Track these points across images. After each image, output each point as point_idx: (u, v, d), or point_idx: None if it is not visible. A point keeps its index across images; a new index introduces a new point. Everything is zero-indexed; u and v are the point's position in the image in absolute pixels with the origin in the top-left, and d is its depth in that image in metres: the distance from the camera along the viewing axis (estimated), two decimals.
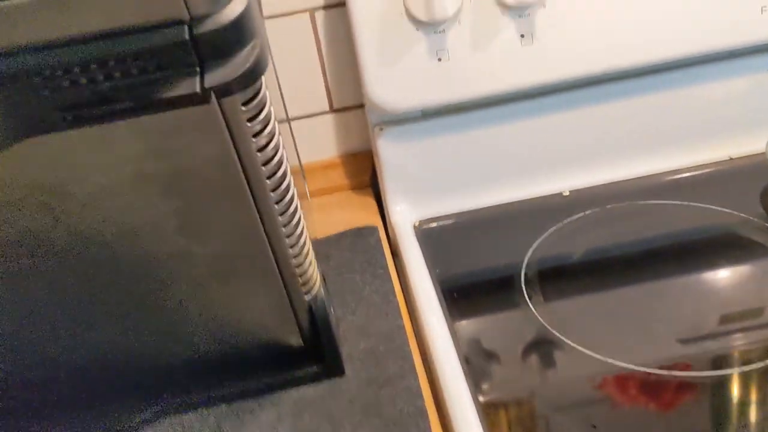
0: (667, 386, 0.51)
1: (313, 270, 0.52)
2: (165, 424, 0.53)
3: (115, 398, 0.54)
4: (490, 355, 0.57)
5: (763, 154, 0.71)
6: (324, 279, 0.56)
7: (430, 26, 0.63)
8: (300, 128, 0.77)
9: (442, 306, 0.60)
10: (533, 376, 0.54)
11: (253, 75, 0.36)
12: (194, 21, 0.33)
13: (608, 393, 0.51)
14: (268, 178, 0.43)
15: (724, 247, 0.63)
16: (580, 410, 0.51)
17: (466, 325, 0.60)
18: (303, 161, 0.79)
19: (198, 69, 0.34)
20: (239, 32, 0.35)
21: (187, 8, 0.33)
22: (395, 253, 0.70)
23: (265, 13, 0.69)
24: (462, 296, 0.62)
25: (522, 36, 0.64)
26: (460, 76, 0.65)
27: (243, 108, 0.38)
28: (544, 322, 0.58)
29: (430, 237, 0.70)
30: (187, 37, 0.33)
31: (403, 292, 0.64)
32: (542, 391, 0.52)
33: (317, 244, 0.65)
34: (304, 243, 0.49)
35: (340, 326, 0.59)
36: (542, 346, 0.57)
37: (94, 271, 0.45)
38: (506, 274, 0.64)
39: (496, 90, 0.66)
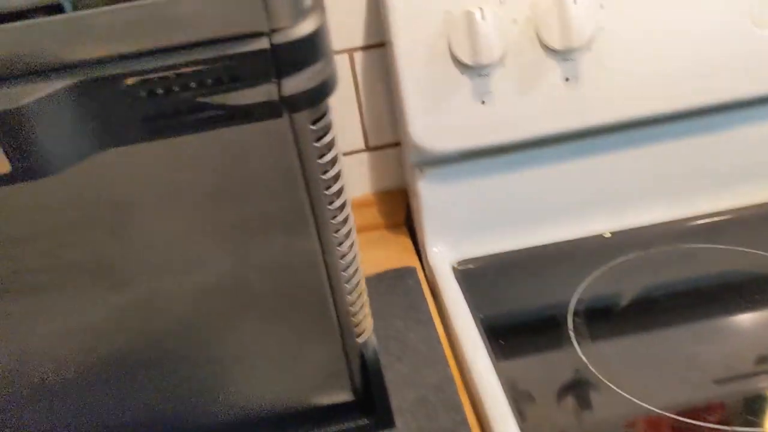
0: None
1: (366, 310, 0.50)
2: None
3: None
4: (540, 401, 0.56)
5: None
6: None
7: (474, 69, 0.62)
8: None
9: (488, 351, 0.59)
10: (580, 418, 0.53)
11: (325, 89, 0.37)
12: (274, 33, 0.34)
13: None
14: (330, 203, 0.42)
15: None
16: None
17: (512, 368, 0.59)
18: None
19: (276, 80, 0.35)
20: (314, 46, 0.36)
21: (268, 21, 0.34)
22: (434, 294, 0.69)
23: None
24: (507, 339, 0.62)
25: (567, 79, 0.63)
26: (503, 118, 0.64)
27: (312, 127, 0.38)
28: (589, 365, 0.57)
29: (470, 279, 0.69)
30: (267, 46, 0.34)
31: (446, 334, 0.63)
32: None
33: None
34: (359, 279, 0.48)
35: (387, 375, 0.58)
36: (585, 389, 0.56)
37: (145, 311, 0.44)
38: (552, 316, 0.63)
39: (540, 133, 0.65)
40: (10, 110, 0.31)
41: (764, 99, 0.69)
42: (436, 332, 0.63)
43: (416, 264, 0.73)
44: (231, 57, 0.34)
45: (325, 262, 0.44)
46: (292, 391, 0.52)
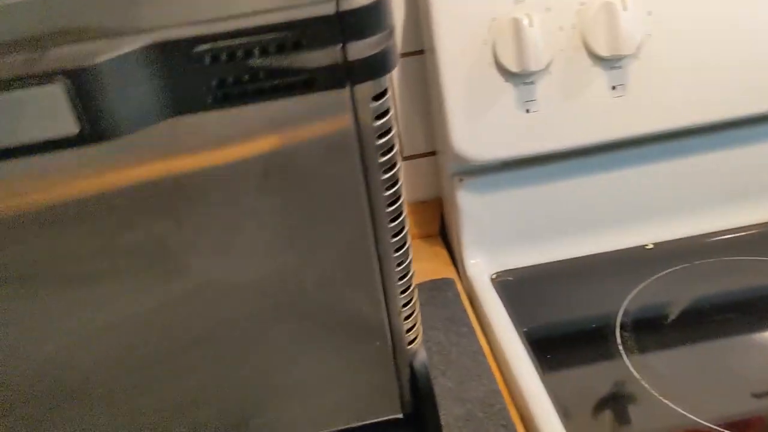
0: None
1: (418, 317, 0.49)
2: None
3: None
4: (590, 414, 0.55)
5: None
6: None
7: (519, 77, 0.61)
8: None
9: (534, 364, 0.58)
10: (631, 430, 0.53)
11: (388, 61, 0.36)
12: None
13: None
14: (386, 189, 0.41)
15: None
16: None
17: (560, 382, 0.57)
18: None
19: (341, 45, 0.34)
20: (379, 15, 0.35)
21: None
22: (473, 306, 0.68)
23: None
24: (553, 352, 0.60)
25: (613, 88, 0.62)
26: (548, 127, 0.63)
27: (372, 104, 0.37)
28: (639, 377, 0.56)
29: (509, 291, 0.68)
30: (333, 12, 0.34)
31: (489, 347, 0.62)
32: None
33: None
34: (412, 283, 0.47)
35: None
36: (635, 401, 0.55)
37: (196, 304, 0.42)
38: (598, 328, 0.62)
39: (585, 142, 0.64)
40: (84, 67, 0.31)
41: None
42: (479, 345, 0.61)
43: (453, 275, 0.71)
44: (298, 22, 0.33)
45: (378, 254, 0.43)
46: (338, 407, 0.50)
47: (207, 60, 0.33)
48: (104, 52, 0.31)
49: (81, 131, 0.32)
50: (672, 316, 0.62)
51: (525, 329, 0.62)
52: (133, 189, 0.37)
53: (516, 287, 0.68)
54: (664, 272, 0.66)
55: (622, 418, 0.55)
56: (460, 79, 0.61)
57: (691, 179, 0.70)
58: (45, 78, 0.31)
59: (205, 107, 0.35)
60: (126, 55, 0.32)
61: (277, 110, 0.36)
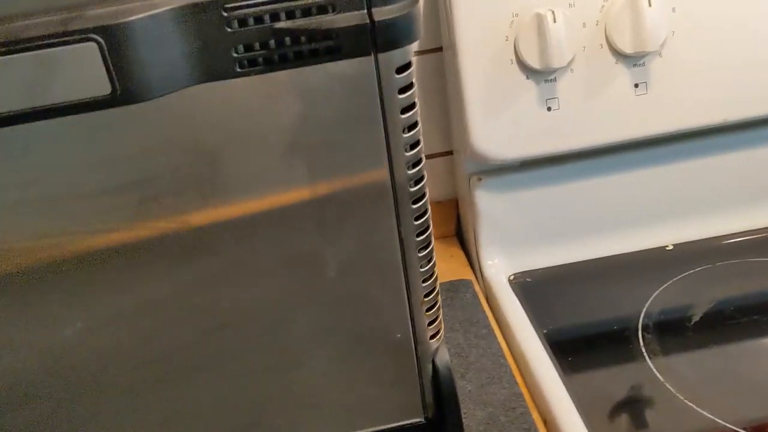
0: None
1: (439, 313, 0.48)
2: None
3: None
4: (613, 416, 0.54)
5: None
6: None
7: (541, 74, 0.60)
8: None
9: (555, 366, 0.57)
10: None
11: (412, 28, 0.36)
12: None
13: None
14: (408, 167, 0.40)
15: None
16: None
17: (582, 384, 0.57)
18: None
19: (367, 12, 0.35)
20: None
21: None
22: (491, 307, 0.67)
23: None
24: (575, 355, 0.59)
25: (636, 85, 0.61)
26: (569, 125, 0.62)
27: (396, 76, 0.37)
28: (663, 380, 0.55)
29: (528, 292, 0.67)
30: None
31: (509, 349, 0.61)
32: None
33: None
34: (434, 274, 0.46)
35: None
36: (660, 404, 0.54)
37: (217, 287, 0.41)
38: (620, 330, 0.61)
39: (606, 140, 0.63)
40: (118, 25, 0.31)
41: None
42: (499, 347, 0.60)
43: (470, 276, 0.70)
44: None
45: (400, 239, 0.42)
46: (359, 409, 0.49)
47: (234, 23, 0.33)
48: (137, 12, 0.32)
49: (113, 92, 0.32)
50: (695, 318, 0.61)
51: (545, 331, 0.61)
52: (159, 156, 0.37)
53: (534, 288, 0.67)
54: (685, 274, 0.65)
55: (646, 420, 0.54)
56: (480, 76, 0.60)
57: (712, 179, 0.69)
58: (80, 36, 0.31)
59: (232, 73, 0.35)
60: (158, 15, 0.32)
61: (302, 81, 0.36)
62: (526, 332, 0.61)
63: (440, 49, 0.68)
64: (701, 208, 0.69)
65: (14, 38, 0.31)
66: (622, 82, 0.61)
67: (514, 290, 0.66)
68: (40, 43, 0.31)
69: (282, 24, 0.34)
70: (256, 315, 0.44)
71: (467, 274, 0.71)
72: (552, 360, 0.58)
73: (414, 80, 0.39)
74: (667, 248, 0.69)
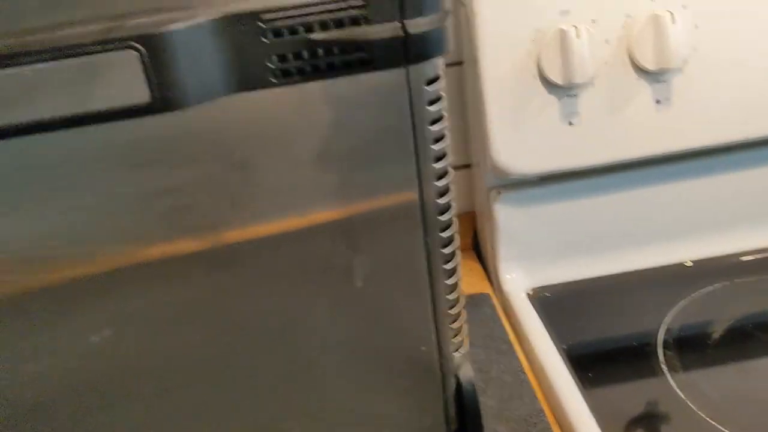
0: None
1: (463, 325, 0.47)
2: None
3: None
4: (633, 430, 0.54)
5: None
6: None
7: (563, 89, 0.60)
8: None
9: (575, 382, 0.57)
10: None
11: (443, 41, 0.37)
12: None
13: None
14: (437, 178, 0.40)
15: None
16: None
17: (603, 401, 0.56)
18: None
19: (400, 24, 0.35)
20: None
21: None
22: (509, 321, 0.67)
23: None
24: (595, 370, 0.59)
25: (657, 101, 0.61)
26: (590, 141, 0.62)
27: (427, 88, 0.37)
28: (683, 397, 0.55)
29: (547, 307, 0.66)
30: None
31: (530, 365, 0.60)
32: None
33: None
34: (459, 288, 0.45)
35: None
36: (680, 421, 0.54)
37: (242, 293, 0.41)
38: (640, 346, 0.61)
39: (627, 156, 0.63)
40: (159, 35, 0.32)
41: None
42: (519, 362, 0.60)
43: (488, 290, 0.70)
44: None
45: (426, 246, 0.42)
46: (380, 424, 0.49)
47: (270, 34, 0.34)
48: (177, 22, 0.32)
49: (152, 99, 0.33)
50: (715, 335, 0.61)
51: (564, 346, 0.61)
52: (193, 165, 0.37)
53: (553, 303, 0.67)
54: (704, 290, 0.65)
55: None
56: (502, 90, 0.61)
57: (731, 196, 0.69)
58: (121, 44, 0.32)
59: (267, 83, 0.35)
60: (197, 25, 0.33)
61: (334, 92, 0.36)
62: (546, 347, 0.61)
63: (457, 63, 0.68)
64: (720, 225, 0.69)
65: (59, 45, 0.32)
66: (644, 98, 0.61)
67: (533, 305, 0.66)
68: (83, 50, 0.32)
69: (316, 35, 0.35)
70: (281, 326, 0.44)
71: (485, 288, 0.71)
72: (572, 375, 0.58)
73: (443, 93, 0.39)
74: (686, 264, 0.69)
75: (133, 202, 0.37)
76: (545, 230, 0.68)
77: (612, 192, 0.67)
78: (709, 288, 0.65)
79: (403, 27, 0.35)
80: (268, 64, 0.35)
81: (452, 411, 0.49)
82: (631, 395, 0.57)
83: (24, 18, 0.32)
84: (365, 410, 0.48)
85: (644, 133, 0.62)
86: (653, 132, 0.62)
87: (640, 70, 0.60)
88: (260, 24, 0.34)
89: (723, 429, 0.52)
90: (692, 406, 0.54)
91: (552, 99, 0.61)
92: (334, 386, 0.46)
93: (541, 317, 0.64)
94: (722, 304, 0.64)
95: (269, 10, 0.34)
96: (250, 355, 0.44)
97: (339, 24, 0.35)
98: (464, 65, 0.67)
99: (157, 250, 0.39)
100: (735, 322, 0.62)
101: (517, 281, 0.69)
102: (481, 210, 0.72)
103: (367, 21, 0.35)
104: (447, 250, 0.44)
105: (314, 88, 0.36)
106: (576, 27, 0.57)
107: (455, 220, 0.44)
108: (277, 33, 0.34)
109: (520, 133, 0.62)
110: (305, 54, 0.35)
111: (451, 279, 0.45)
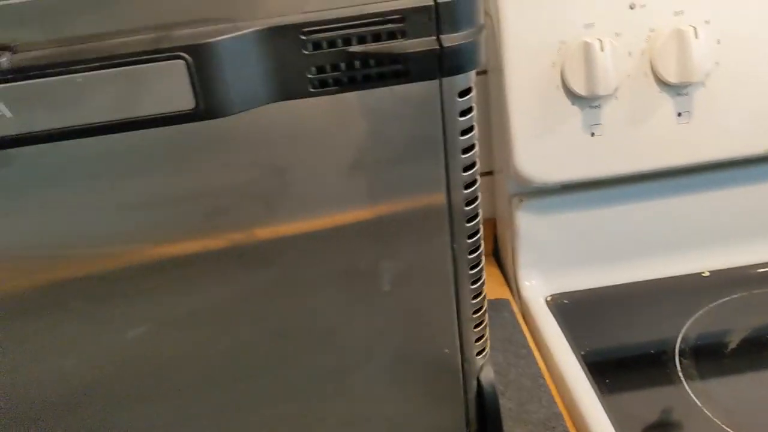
0: None
1: (486, 330, 0.49)
2: None
3: None
4: None
5: None
6: None
7: (586, 100, 0.61)
8: None
9: (593, 388, 0.58)
10: None
11: (477, 54, 0.38)
12: None
13: None
14: (465, 187, 0.41)
15: None
16: None
17: (620, 407, 0.57)
18: None
19: (436, 38, 0.36)
20: (472, 9, 0.37)
21: None
22: (528, 327, 0.68)
23: None
24: (612, 377, 0.60)
25: (679, 114, 0.62)
26: (612, 151, 0.63)
27: (459, 99, 0.39)
28: (700, 405, 0.56)
29: (566, 313, 0.68)
30: (431, 2, 0.35)
31: (548, 370, 0.62)
32: None
33: None
34: (483, 292, 0.47)
35: None
36: (698, 429, 0.55)
37: (274, 296, 0.43)
38: (657, 354, 0.62)
39: (648, 167, 0.64)
40: (205, 45, 0.34)
41: None
42: (538, 367, 0.61)
43: (507, 295, 0.71)
44: (397, 11, 0.35)
45: (453, 252, 0.43)
46: (401, 425, 0.50)
47: (310, 46, 0.35)
48: (223, 33, 0.34)
49: (196, 107, 0.34)
50: (732, 345, 0.62)
51: (582, 352, 0.62)
52: (232, 169, 0.38)
53: (571, 310, 0.68)
54: (721, 300, 0.66)
55: None
56: (526, 100, 0.62)
57: (749, 208, 0.70)
58: (169, 54, 0.33)
59: (305, 93, 0.36)
60: (241, 36, 0.34)
61: (370, 102, 0.38)
62: (565, 353, 0.62)
63: (482, 72, 0.70)
64: (738, 237, 0.70)
65: (108, 54, 0.33)
66: (666, 110, 0.62)
67: (551, 311, 0.67)
68: (132, 59, 0.33)
69: (354, 48, 0.36)
70: (308, 327, 0.45)
71: (505, 294, 0.72)
72: (590, 381, 0.59)
73: (474, 104, 0.41)
74: (704, 275, 0.70)
75: (171, 204, 0.39)
76: (565, 238, 0.69)
77: (632, 202, 0.68)
78: (726, 298, 0.66)
79: (439, 41, 0.36)
80: (307, 75, 0.36)
81: (473, 413, 0.50)
82: (648, 402, 0.58)
83: (76, 27, 0.34)
84: (386, 411, 0.50)
85: (665, 145, 0.63)
86: (674, 144, 0.63)
87: (663, 83, 0.61)
88: (301, 37, 0.35)
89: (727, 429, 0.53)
90: (708, 413, 0.55)
91: (575, 110, 0.62)
92: (355, 386, 0.47)
93: (559, 323, 0.66)
94: (739, 314, 0.65)
95: (310, 24, 0.35)
96: (277, 356, 0.45)
97: (376, 37, 0.36)
98: (489, 74, 0.69)
99: (194, 249, 0.41)
100: (752, 332, 0.63)
101: (537, 287, 0.70)
102: (502, 216, 0.73)
103: (404, 35, 0.36)
104: (473, 256, 0.45)
105: (350, 97, 0.37)
106: (600, 40, 0.58)
107: (482, 227, 0.45)
108: (317, 45, 0.35)
109: (543, 142, 0.63)
110: (342, 66, 0.36)
111: (476, 284, 0.46)
